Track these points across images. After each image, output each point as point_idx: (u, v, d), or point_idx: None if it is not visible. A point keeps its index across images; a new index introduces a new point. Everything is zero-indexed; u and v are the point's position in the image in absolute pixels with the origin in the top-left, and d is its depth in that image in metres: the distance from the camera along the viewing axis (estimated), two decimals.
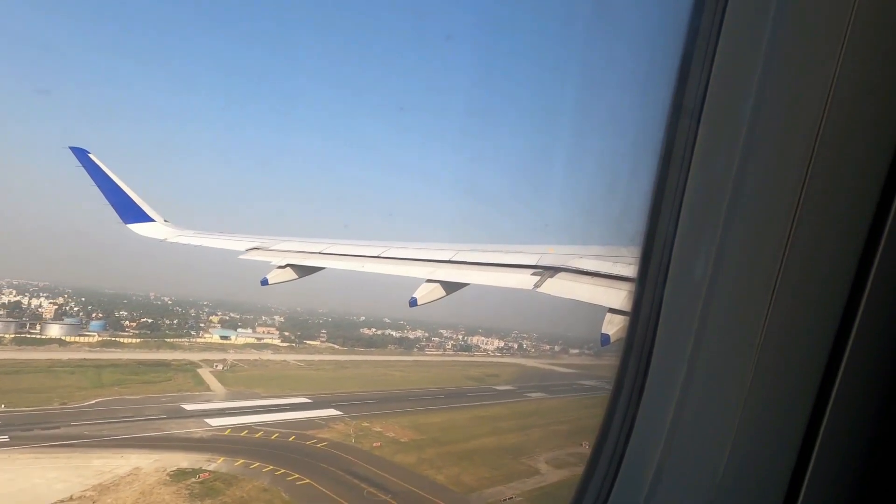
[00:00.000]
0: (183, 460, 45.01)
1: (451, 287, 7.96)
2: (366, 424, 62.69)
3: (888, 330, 1.45)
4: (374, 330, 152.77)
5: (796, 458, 1.56)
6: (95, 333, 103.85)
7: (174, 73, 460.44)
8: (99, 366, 77.21)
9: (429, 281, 7.98)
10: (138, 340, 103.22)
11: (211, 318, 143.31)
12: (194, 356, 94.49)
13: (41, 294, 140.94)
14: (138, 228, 13.79)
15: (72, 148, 14.42)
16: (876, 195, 1.40)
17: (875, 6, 1.34)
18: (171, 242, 13.04)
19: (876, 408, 1.49)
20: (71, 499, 38.05)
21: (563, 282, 6.83)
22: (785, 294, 1.49)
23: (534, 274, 7.21)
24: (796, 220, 1.45)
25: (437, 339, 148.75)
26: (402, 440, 58.62)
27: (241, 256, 10.76)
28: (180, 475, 43.04)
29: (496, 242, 9.08)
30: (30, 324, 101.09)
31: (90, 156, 14.35)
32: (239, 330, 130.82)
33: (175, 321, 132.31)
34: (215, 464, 45.15)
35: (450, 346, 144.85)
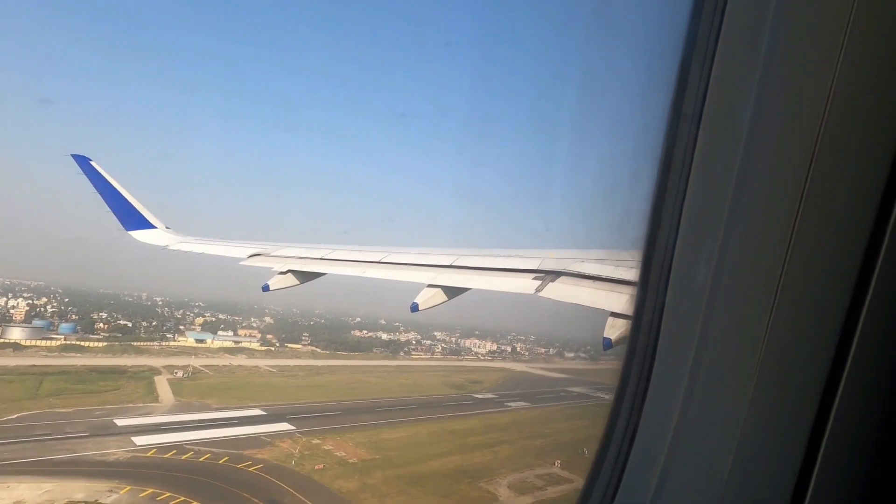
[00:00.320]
0: (80, 491, 39.36)
1: (452, 292, 7.96)
2: (316, 441, 57.27)
3: (891, 332, 1.45)
4: (365, 332, 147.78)
5: (801, 462, 1.54)
6: (62, 336, 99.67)
7: (175, 81, 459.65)
8: (45, 373, 72.23)
9: (430, 286, 7.98)
10: (103, 344, 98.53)
11: (197, 320, 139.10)
12: (159, 361, 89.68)
13: (24, 294, 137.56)
14: (140, 235, 13.83)
15: (74, 156, 14.53)
16: (877, 198, 1.40)
17: (874, 10, 1.35)
18: (173, 249, 12.97)
19: (880, 411, 1.49)
20: None
21: (565, 286, 6.78)
22: (787, 297, 1.50)
23: (535, 278, 7.18)
24: (797, 223, 1.45)
25: (428, 341, 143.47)
26: (351, 461, 53.05)
27: (243, 263, 10.83)
28: None
29: (497, 247, 9.24)
30: None
31: (92, 163, 14.42)
32: (219, 333, 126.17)
33: (154, 323, 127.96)
34: (116, 495, 39.49)
35: (440, 350, 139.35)
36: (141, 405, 64.83)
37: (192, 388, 74.94)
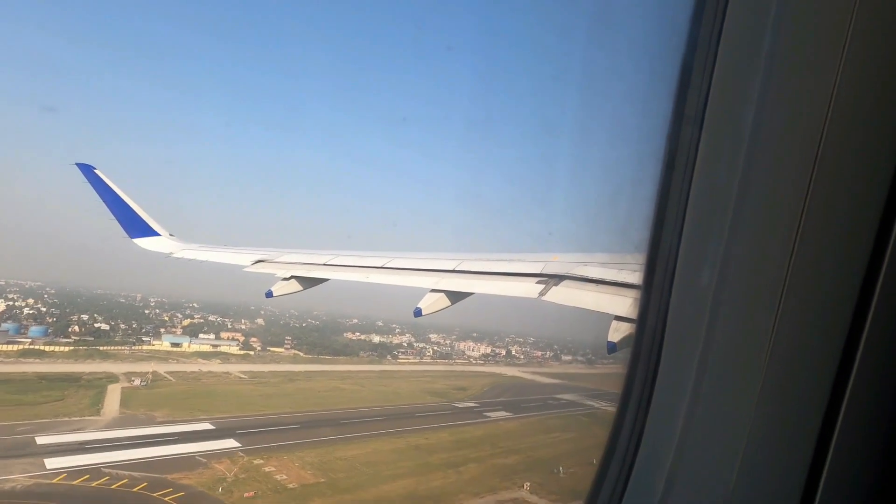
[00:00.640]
0: None
1: (455, 297, 7.94)
2: (258, 462, 51.68)
3: None
4: (358, 334, 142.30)
5: (809, 466, 1.53)
6: (29, 340, 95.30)
7: (178, 88, 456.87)
8: None
9: (433, 291, 7.96)
10: (68, 349, 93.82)
11: (183, 322, 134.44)
12: (122, 368, 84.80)
13: (9, 295, 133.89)
14: (144, 243, 13.95)
15: (78, 164, 14.74)
16: (881, 200, 1.39)
17: (875, 11, 1.34)
18: (177, 257, 13.06)
19: (888, 413, 1.47)
20: None
21: (569, 290, 6.75)
22: (793, 299, 1.49)
23: (539, 282, 7.16)
24: (802, 225, 1.45)
25: (421, 344, 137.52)
26: (290, 486, 47.35)
27: (247, 269, 10.89)
28: None
29: (500, 251, 9.65)
30: None
31: (96, 171, 14.54)
32: (200, 336, 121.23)
33: (133, 325, 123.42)
34: None
35: (430, 354, 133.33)
36: (77, 419, 59.62)
37: (145, 398, 69.77)
